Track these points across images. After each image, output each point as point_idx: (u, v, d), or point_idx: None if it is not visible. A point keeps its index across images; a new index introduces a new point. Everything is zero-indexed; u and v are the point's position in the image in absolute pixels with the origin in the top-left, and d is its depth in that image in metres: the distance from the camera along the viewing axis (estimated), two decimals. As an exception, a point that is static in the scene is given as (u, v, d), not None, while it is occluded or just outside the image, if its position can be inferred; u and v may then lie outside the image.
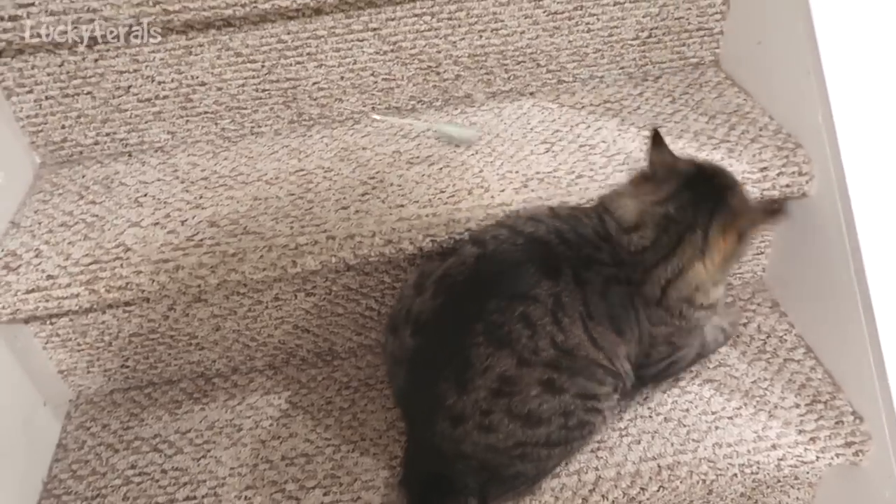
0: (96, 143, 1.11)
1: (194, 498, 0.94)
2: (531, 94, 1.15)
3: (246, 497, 0.93)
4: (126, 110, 1.09)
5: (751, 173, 0.93)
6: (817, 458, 0.90)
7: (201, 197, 1.01)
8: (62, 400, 1.07)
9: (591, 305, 0.78)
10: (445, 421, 0.78)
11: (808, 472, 1.02)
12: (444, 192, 0.96)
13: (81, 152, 1.11)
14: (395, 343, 0.83)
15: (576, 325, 0.78)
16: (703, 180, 0.82)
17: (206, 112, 1.11)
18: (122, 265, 0.91)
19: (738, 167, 0.93)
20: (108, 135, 1.10)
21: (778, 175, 0.93)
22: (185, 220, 0.97)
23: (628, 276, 0.81)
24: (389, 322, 0.86)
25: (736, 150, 0.96)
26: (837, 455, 0.90)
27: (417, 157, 1.04)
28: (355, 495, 0.92)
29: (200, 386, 1.09)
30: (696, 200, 0.80)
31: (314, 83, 1.11)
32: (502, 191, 0.95)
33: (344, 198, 0.98)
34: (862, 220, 0.87)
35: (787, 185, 0.93)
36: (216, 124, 1.12)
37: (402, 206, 0.95)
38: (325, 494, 0.92)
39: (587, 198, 0.92)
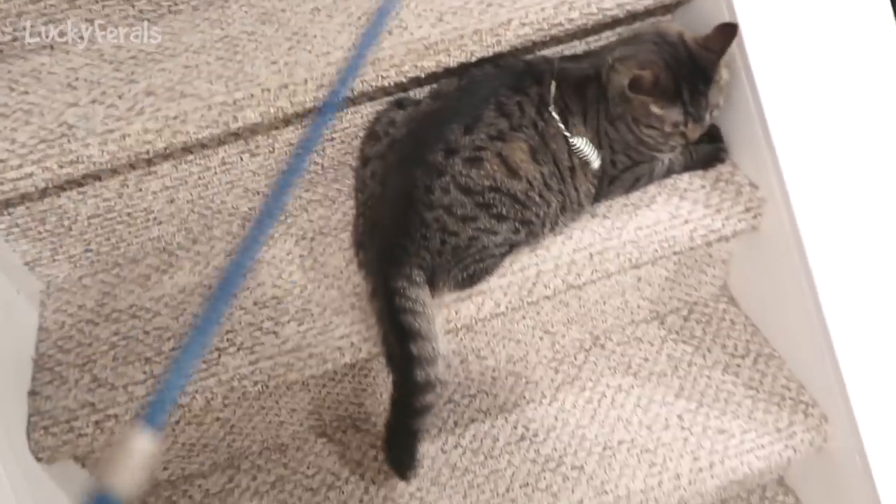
0: (15, 39, 1.11)
1: (181, 347, 1.02)
2: (435, -60, 1.20)
3: (228, 339, 1.02)
4: (39, 1, 1.09)
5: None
6: (723, 225, 1.04)
7: (133, 73, 1.04)
8: (33, 290, 1.12)
9: (567, 99, 0.99)
10: (441, 153, 0.94)
11: (719, 250, 1.17)
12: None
13: (2, 50, 1.12)
14: (402, 114, 1.03)
15: (554, 117, 0.98)
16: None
17: (119, -6, 1.12)
18: (68, 140, 0.95)
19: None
20: (24, 29, 1.11)
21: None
22: (122, 95, 1.00)
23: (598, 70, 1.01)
24: (395, 101, 1.06)
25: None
26: (740, 220, 1.04)
27: (336, 10, 1.08)
28: (327, 321, 1.02)
29: (165, 259, 1.15)
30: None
31: (223, -47, 1.13)
32: (420, 27, 1.02)
33: (272, 54, 1.03)
34: (742, 7, 0.97)
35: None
36: (133, 6, 1.13)
37: (328, 53, 1.01)
38: (299, 325, 1.02)
39: (497, 23, 1.00)
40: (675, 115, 0.97)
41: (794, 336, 1.10)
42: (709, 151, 1.09)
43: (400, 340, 0.93)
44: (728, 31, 0.95)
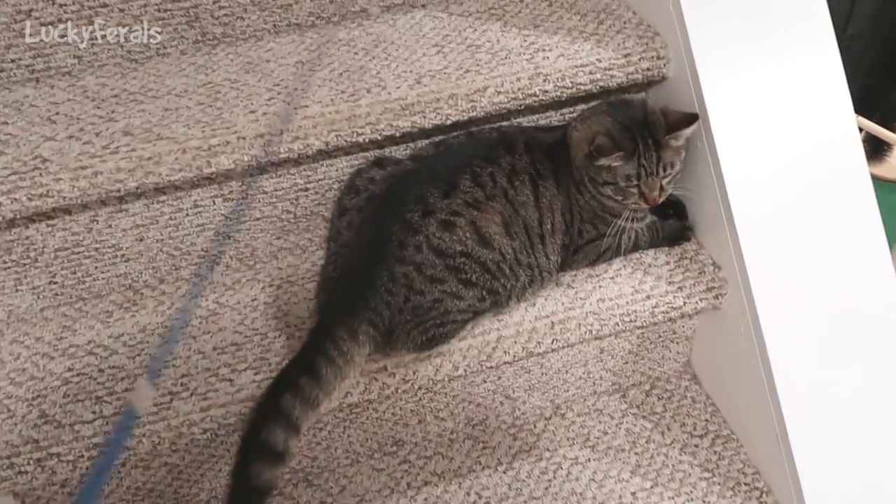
0: (1, 70, 1.13)
1: (133, 389, 1.01)
2: (422, 5, 1.23)
3: (182, 383, 1.01)
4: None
5: (616, 59, 1.04)
6: (684, 303, 1.04)
7: (113, 111, 1.06)
8: (-8, 319, 1.11)
9: (539, 165, 1.02)
10: (418, 212, 0.96)
11: (683, 326, 1.18)
12: (344, 92, 1.04)
13: (-12, 80, 1.13)
14: (381, 172, 1.05)
15: (525, 185, 1.01)
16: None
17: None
18: (41, 174, 0.95)
19: (605, 55, 1.05)
20: (13, 61, 1.13)
21: (640, 60, 1.05)
22: (100, 132, 1.02)
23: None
24: (376, 160, 1.09)
25: (604, 41, 1.07)
26: (701, 300, 1.05)
27: (319, 65, 1.11)
28: (283, 372, 1.01)
29: (129, 297, 1.15)
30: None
31: (215, 2, 1.16)
32: (398, 88, 1.04)
33: (251, 104, 1.04)
34: (709, 93, 1.00)
35: (648, 69, 1.05)
36: (122, 47, 1.16)
37: (306, 106, 1.03)
38: (255, 374, 1.01)
39: (473, 89, 1.02)
40: (628, 168, 0.99)
41: (750, 420, 1.09)
42: (675, 229, 1.10)
43: (300, 373, 0.90)
44: (689, 119, 0.99)
